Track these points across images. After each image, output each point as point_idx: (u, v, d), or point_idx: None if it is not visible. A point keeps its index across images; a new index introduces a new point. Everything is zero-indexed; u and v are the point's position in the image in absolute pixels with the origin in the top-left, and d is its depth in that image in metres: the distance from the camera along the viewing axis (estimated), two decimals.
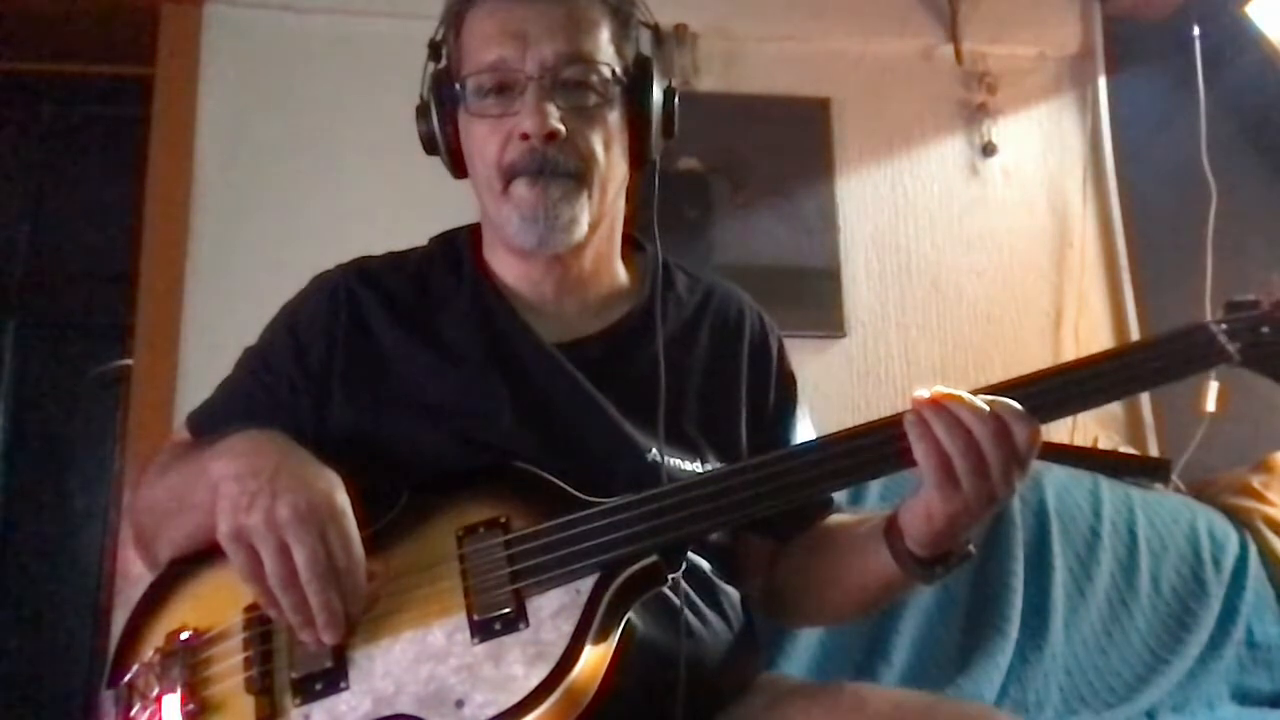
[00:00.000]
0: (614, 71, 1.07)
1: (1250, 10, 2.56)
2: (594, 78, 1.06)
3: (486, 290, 1.13)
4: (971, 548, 0.97)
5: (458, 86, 1.07)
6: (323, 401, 1.07)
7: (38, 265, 2.82)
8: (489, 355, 1.08)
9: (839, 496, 1.21)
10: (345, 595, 0.89)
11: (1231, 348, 0.93)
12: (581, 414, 1.05)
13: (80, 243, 2.82)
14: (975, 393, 0.89)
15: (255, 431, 0.97)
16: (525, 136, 1.03)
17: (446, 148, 1.11)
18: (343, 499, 0.92)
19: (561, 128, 1.03)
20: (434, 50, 1.13)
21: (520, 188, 1.05)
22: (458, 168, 1.12)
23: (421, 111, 1.13)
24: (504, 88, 1.05)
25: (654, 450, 1.03)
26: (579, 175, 1.05)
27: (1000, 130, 2.65)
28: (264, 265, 2.19)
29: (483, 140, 1.07)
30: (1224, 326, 0.94)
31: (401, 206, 2.24)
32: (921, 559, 0.96)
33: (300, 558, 0.87)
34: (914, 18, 2.69)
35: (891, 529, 0.98)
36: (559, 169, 1.04)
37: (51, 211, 2.84)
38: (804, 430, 1.19)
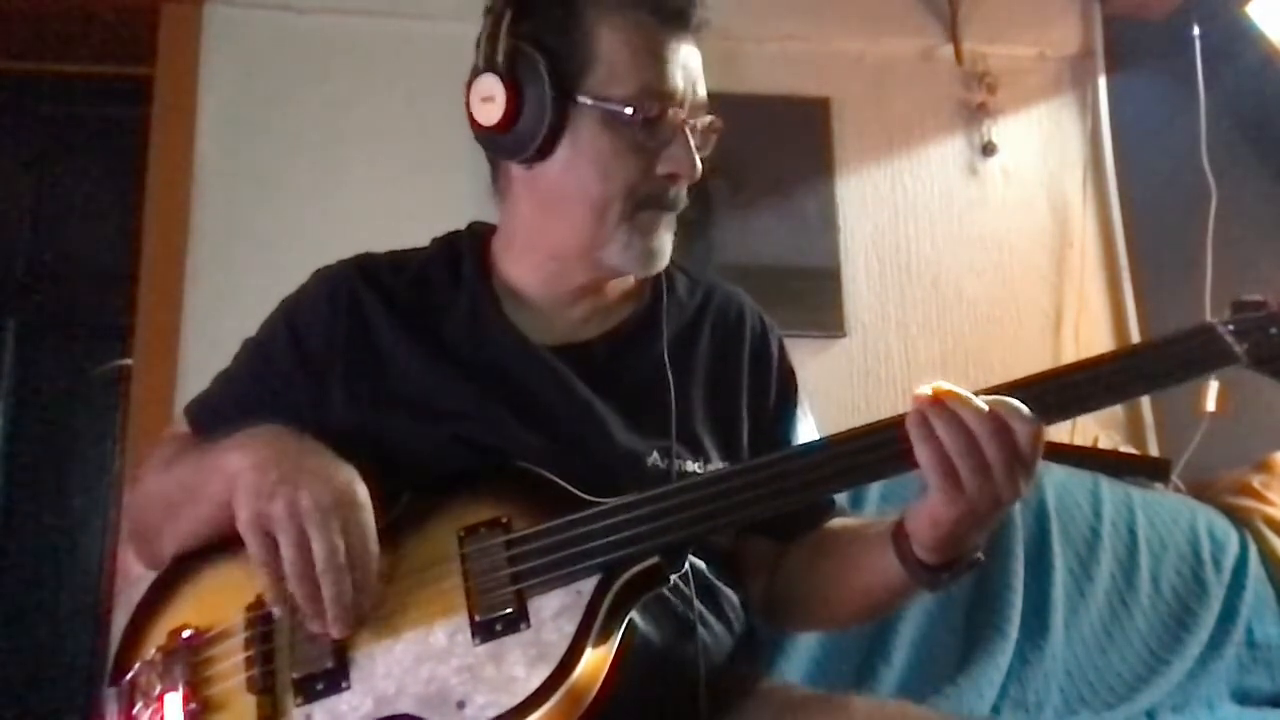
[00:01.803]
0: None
1: (1250, 10, 2.56)
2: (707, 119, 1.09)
3: (483, 295, 1.12)
4: (980, 555, 0.96)
5: (596, 95, 1.02)
6: (322, 398, 1.07)
7: (38, 265, 2.82)
8: (486, 360, 1.08)
9: (840, 498, 1.21)
10: (358, 589, 0.89)
11: (1239, 349, 0.92)
12: (579, 416, 1.05)
13: (80, 243, 2.82)
14: (978, 393, 0.89)
15: (274, 426, 0.98)
16: (673, 176, 1.05)
17: (538, 135, 1.03)
18: (364, 493, 0.92)
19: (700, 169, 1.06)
20: (518, 7, 1.04)
21: (649, 218, 1.06)
22: (526, 149, 1.04)
23: (514, 82, 1.02)
24: (660, 118, 1.04)
25: (655, 452, 1.03)
26: (683, 206, 1.09)
27: (1000, 130, 2.65)
28: (264, 265, 2.19)
29: (615, 160, 1.03)
30: (1231, 327, 0.93)
31: (401, 206, 2.24)
32: (929, 565, 0.95)
33: (320, 548, 0.87)
34: (914, 18, 2.69)
35: (898, 534, 0.97)
36: (680, 205, 1.08)
37: (51, 211, 2.85)
38: (805, 428, 1.19)
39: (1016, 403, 0.88)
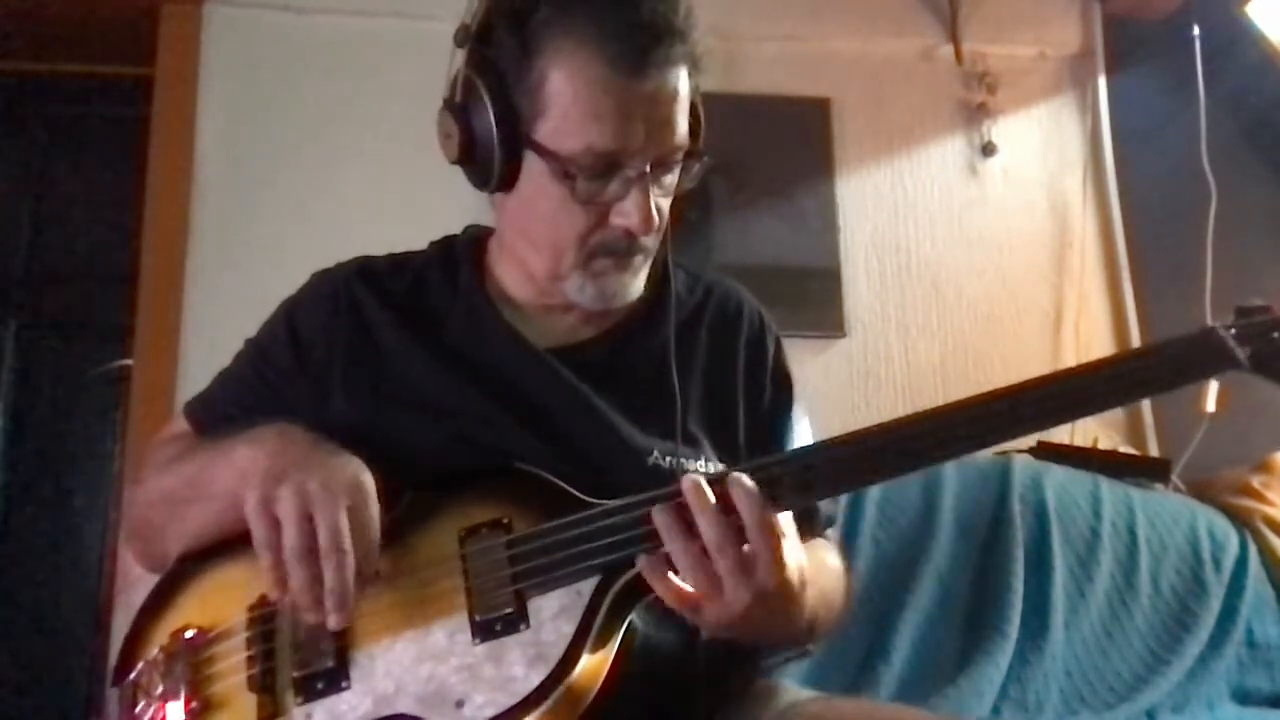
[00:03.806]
0: (689, 143, 1.04)
1: (1250, 10, 2.56)
2: (681, 156, 1.04)
3: (480, 299, 1.12)
4: (809, 647, 0.96)
5: (544, 146, 0.99)
6: (322, 398, 1.07)
7: (38, 265, 2.83)
8: (486, 363, 1.08)
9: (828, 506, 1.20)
10: (359, 577, 0.89)
11: (1241, 353, 0.92)
12: (579, 417, 1.05)
13: (80, 243, 2.83)
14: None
15: (284, 424, 0.98)
16: (629, 233, 1.02)
17: (493, 173, 1.02)
18: (370, 483, 0.93)
19: (658, 219, 1.03)
20: (482, 40, 1.01)
21: (604, 265, 1.04)
22: (488, 183, 1.05)
23: (467, 123, 1.02)
24: (609, 171, 1.00)
25: (655, 451, 1.03)
26: (652, 250, 1.07)
27: (1000, 130, 2.65)
28: (264, 265, 2.20)
29: (563, 210, 1.01)
30: (1233, 331, 0.93)
31: (401, 206, 2.25)
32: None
33: (324, 529, 0.87)
34: (914, 18, 2.69)
35: None
36: (645, 251, 1.06)
37: (51, 211, 2.85)
38: (802, 431, 1.18)
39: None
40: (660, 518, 0.86)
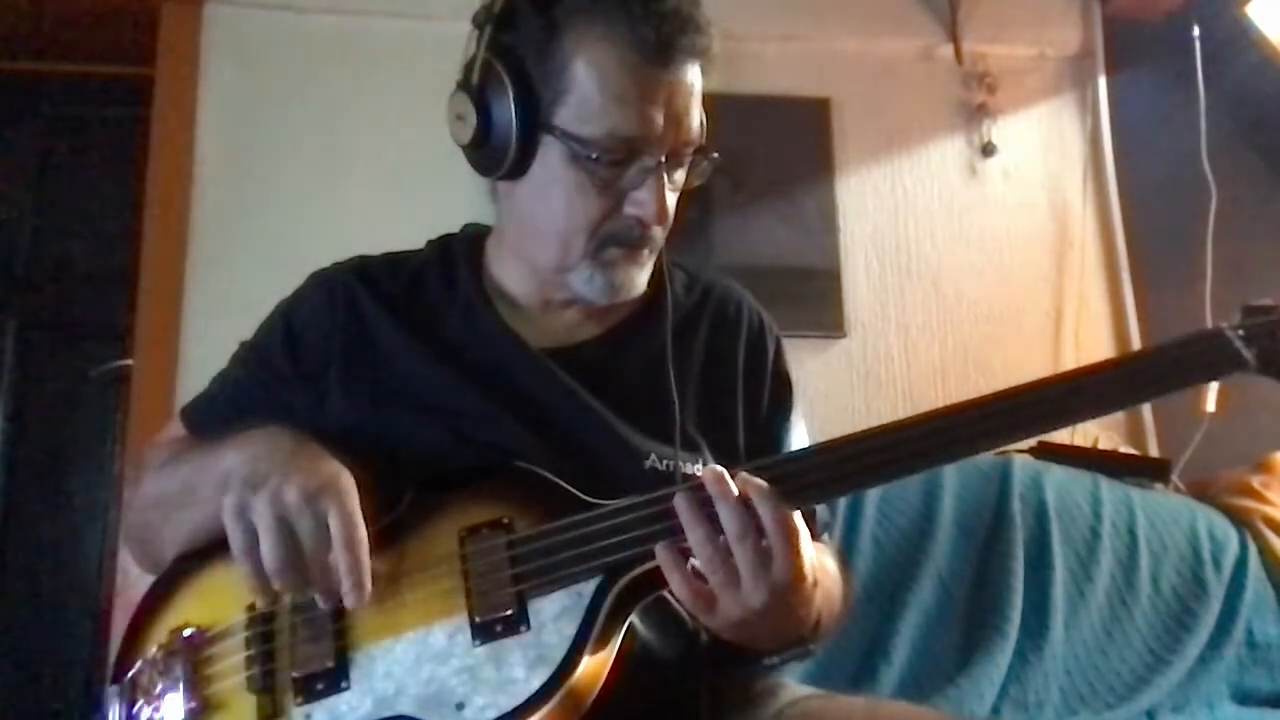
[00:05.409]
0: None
1: (1250, 10, 2.56)
2: (692, 152, 1.05)
3: (477, 298, 1.12)
4: (812, 647, 0.94)
5: (564, 130, 0.99)
6: (319, 398, 1.07)
7: (38, 265, 2.83)
8: (484, 362, 1.07)
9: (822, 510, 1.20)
10: (349, 572, 0.88)
11: (1248, 353, 0.92)
12: (578, 419, 1.04)
13: (80, 243, 2.83)
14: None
15: (272, 427, 0.98)
16: (641, 223, 1.02)
17: (506, 158, 1.02)
18: (348, 483, 0.92)
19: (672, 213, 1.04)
20: (501, 24, 1.01)
21: (614, 255, 1.04)
22: (499, 168, 1.04)
23: (484, 104, 1.02)
24: (627, 158, 1.01)
25: (652, 455, 1.03)
26: (659, 244, 1.07)
27: (1000, 130, 2.65)
28: (264, 265, 2.19)
29: (579, 195, 1.01)
30: (1240, 332, 0.93)
31: (401, 206, 2.25)
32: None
33: (303, 536, 0.87)
34: (914, 18, 2.69)
35: None
36: (653, 244, 1.06)
37: (51, 211, 2.85)
38: (799, 435, 1.18)
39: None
40: (683, 505, 0.86)
